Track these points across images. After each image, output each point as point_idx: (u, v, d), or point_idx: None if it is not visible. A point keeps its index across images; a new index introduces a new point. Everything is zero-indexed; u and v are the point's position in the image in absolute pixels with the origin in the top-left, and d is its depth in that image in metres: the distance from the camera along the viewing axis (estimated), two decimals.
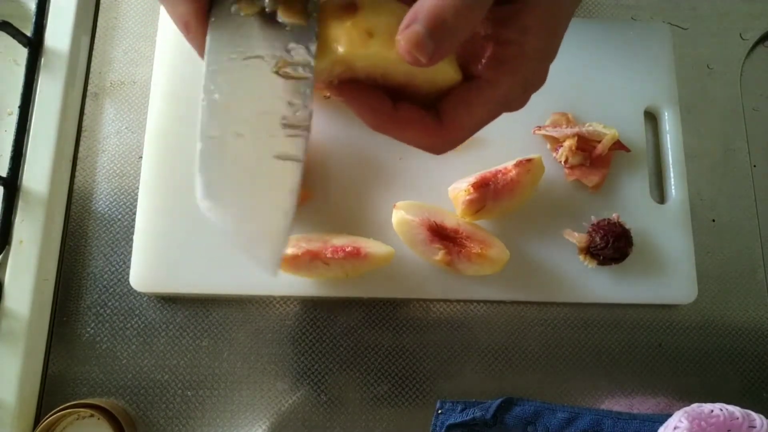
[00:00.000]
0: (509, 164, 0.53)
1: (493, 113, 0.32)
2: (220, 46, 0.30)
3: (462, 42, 0.28)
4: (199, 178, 0.28)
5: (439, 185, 0.55)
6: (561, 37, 0.32)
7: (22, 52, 0.56)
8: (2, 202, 0.53)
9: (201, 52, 0.31)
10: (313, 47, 0.30)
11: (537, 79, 0.32)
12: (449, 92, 0.32)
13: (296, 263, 0.50)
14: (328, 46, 0.29)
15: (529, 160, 0.53)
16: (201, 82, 0.29)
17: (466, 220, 0.53)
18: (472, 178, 0.53)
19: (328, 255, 0.50)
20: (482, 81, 0.31)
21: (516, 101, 0.33)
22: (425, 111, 0.32)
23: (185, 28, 0.31)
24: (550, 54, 0.32)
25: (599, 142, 0.55)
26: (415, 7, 0.27)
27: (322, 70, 0.30)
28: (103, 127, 0.59)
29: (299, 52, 0.30)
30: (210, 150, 0.28)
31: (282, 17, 0.30)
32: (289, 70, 0.29)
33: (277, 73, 0.29)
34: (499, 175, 0.53)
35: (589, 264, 0.54)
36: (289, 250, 0.50)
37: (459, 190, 0.53)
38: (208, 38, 0.30)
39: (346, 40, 0.28)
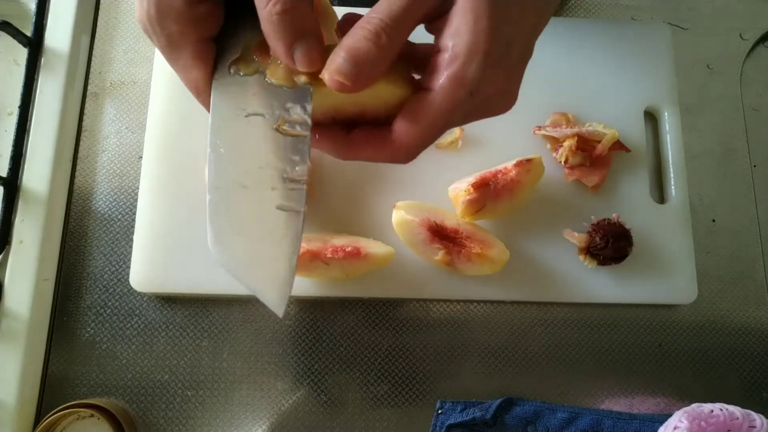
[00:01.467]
0: (509, 164, 0.53)
1: (441, 119, 0.33)
2: (224, 104, 0.32)
3: (386, 64, 0.31)
4: (209, 227, 0.31)
5: (439, 185, 0.55)
6: (508, 31, 0.31)
7: (22, 52, 0.56)
8: (2, 202, 0.53)
9: (209, 109, 0.33)
10: (309, 107, 0.32)
11: (485, 79, 0.31)
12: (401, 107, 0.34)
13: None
14: None
15: (529, 160, 0.53)
16: (207, 137, 0.32)
17: (466, 220, 0.53)
18: (472, 178, 0.53)
19: (328, 255, 0.50)
20: (424, 91, 0.33)
21: (486, 104, 0.34)
22: (376, 130, 0.34)
23: (196, 92, 0.34)
24: (493, 50, 0.31)
25: (599, 142, 0.55)
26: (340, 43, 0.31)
27: None
28: (103, 127, 0.59)
29: (296, 111, 0.32)
30: (217, 200, 0.31)
31: (270, 79, 0.32)
32: (287, 127, 0.32)
33: (277, 130, 0.32)
34: (499, 175, 0.53)
35: (589, 264, 0.54)
36: None
37: (459, 190, 0.53)
38: (212, 96, 0.33)
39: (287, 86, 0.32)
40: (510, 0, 0.31)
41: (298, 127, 0.32)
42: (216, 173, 0.31)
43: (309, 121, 0.32)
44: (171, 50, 0.33)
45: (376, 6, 0.31)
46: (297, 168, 0.31)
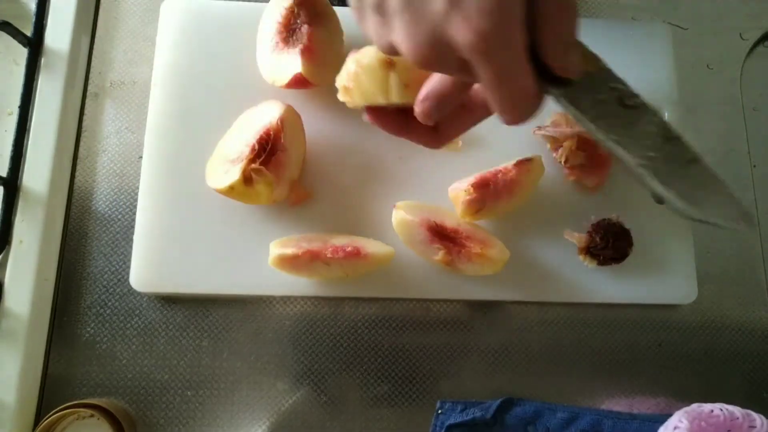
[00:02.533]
0: (509, 164, 0.53)
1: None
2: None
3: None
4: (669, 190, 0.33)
5: (439, 185, 0.55)
6: None
7: (22, 52, 0.56)
8: (2, 202, 0.53)
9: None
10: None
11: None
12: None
13: (296, 263, 0.50)
14: (385, 93, 0.38)
15: (529, 160, 0.53)
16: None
17: (466, 220, 0.53)
18: (472, 178, 0.53)
19: (328, 255, 0.50)
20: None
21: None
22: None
23: (527, 98, 0.31)
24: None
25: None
26: (425, 87, 0.35)
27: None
28: (103, 127, 0.59)
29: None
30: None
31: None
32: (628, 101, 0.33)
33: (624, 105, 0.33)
34: (499, 175, 0.53)
35: (589, 264, 0.54)
36: (289, 250, 0.50)
37: (459, 190, 0.53)
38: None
39: (395, 92, 0.37)
40: None
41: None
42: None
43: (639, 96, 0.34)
44: (512, 65, 0.29)
45: None
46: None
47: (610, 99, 0.33)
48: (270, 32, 0.54)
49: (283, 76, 0.52)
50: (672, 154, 0.35)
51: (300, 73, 0.51)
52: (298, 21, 0.53)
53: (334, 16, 0.55)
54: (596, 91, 0.32)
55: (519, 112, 0.32)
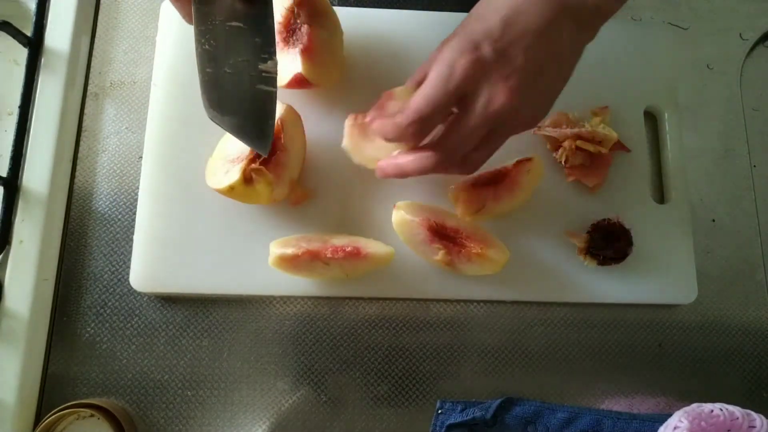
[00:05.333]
0: (509, 164, 0.53)
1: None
2: (205, 14, 0.42)
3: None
4: (204, 96, 0.42)
5: (439, 185, 0.55)
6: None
7: (22, 52, 0.56)
8: (2, 202, 0.53)
9: (188, 19, 0.43)
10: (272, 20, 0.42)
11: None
12: None
13: (296, 263, 0.50)
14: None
15: (528, 160, 0.53)
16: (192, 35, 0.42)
17: (467, 220, 0.53)
18: (471, 178, 0.53)
19: (328, 255, 0.50)
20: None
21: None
22: None
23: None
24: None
25: (599, 142, 0.55)
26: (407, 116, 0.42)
27: None
28: (103, 127, 0.59)
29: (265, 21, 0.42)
30: (208, 80, 0.42)
31: None
32: (258, 40, 0.42)
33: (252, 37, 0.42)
34: (499, 175, 0.53)
35: (589, 264, 0.54)
36: (289, 250, 0.50)
37: (459, 190, 0.53)
38: (193, 7, 0.42)
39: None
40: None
41: (267, 34, 0.42)
42: (205, 62, 0.42)
43: (274, 24, 0.42)
44: None
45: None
46: (269, 62, 0.42)
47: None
48: None
49: (283, 76, 0.52)
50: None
51: (300, 73, 0.51)
52: (298, 21, 0.53)
53: (334, 16, 0.55)
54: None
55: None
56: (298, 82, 0.52)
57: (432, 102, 0.40)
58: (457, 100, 0.41)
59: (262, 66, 0.42)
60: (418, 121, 0.41)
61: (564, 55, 0.42)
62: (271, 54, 0.42)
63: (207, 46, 0.41)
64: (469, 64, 0.39)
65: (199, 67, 0.41)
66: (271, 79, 0.42)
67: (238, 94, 0.41)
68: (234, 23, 0.42)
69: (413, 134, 0.42)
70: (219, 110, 0.41)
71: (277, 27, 0.53)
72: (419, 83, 0.43)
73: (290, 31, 0.53)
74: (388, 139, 0.44)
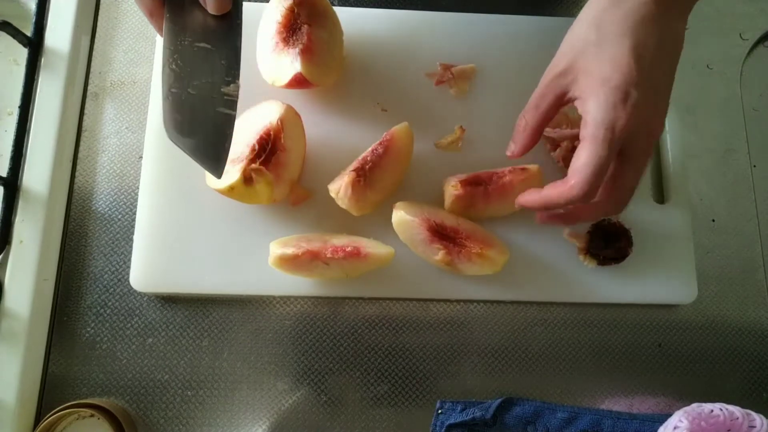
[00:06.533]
0: (506, 169, 0.54)
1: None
2: (175, 33, 0.42)
3: (532, 139, 0.48)
4: (165, 117, 0.41)
5: (440, 185, 0.55)
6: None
7: (22, 52, 0.56)
8: (2, 202, 0.53)
9: (160, 32, 0.43)
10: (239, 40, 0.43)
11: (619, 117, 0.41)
12: None
13: (296, 263, 0.50)
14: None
15: (523, 169, 0.53)
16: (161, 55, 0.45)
17: (455, 216, 0.53)
18: (464, 176, 0.53)
19: (328, 255, 0.50)
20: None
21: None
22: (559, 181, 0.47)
23: (149, 15, 0.43)
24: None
25: None
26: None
27: None
28: (103, 127, 0.59)
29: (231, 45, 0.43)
30: (173, 100, 0.41)
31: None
32: (224, 62, 0.43)
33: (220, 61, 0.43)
34: (494, 178, 0.53)
35: (589, 264, 0.54)
36: (289, 250, 0.50)
37: (449, 185, 0.53)
38: (165, 24, 0.43)
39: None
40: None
41: (232, 59, 0.43)
42: (171, 81, 0.42)
43: (239, 47, 0.43)
44: None
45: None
46: (231, 85, 0.42)
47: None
48: (270, 32, 0.54)
49: (283, 76, 0.52)
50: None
51: (300, 73, 0.51)
52: (298, 21, 0.53)
53: (334, 16, 0.55)
54: None
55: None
56: (298, 82, 0.52)
57: (600, 168, 0.41)
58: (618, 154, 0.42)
59: (224, 89, 0.42)
60: (590, 193, 0.42)
61: (678, 50, 0.43)
62: (234, 77, 0.42)
63: (174, 66, 0.42)
64: (628, 117, 0.40)
65: (163, 87, 0.42)
66: (232, 102, 0.42)
67: (199, 116, 0.41)
68: (202, 44, 0.42)
69: (585, 202, 0.44)
70: (179, 131, 0.41)
71: (277, 27, 0.54)
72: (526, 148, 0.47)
73: (290, 31, 0.53)
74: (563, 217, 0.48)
